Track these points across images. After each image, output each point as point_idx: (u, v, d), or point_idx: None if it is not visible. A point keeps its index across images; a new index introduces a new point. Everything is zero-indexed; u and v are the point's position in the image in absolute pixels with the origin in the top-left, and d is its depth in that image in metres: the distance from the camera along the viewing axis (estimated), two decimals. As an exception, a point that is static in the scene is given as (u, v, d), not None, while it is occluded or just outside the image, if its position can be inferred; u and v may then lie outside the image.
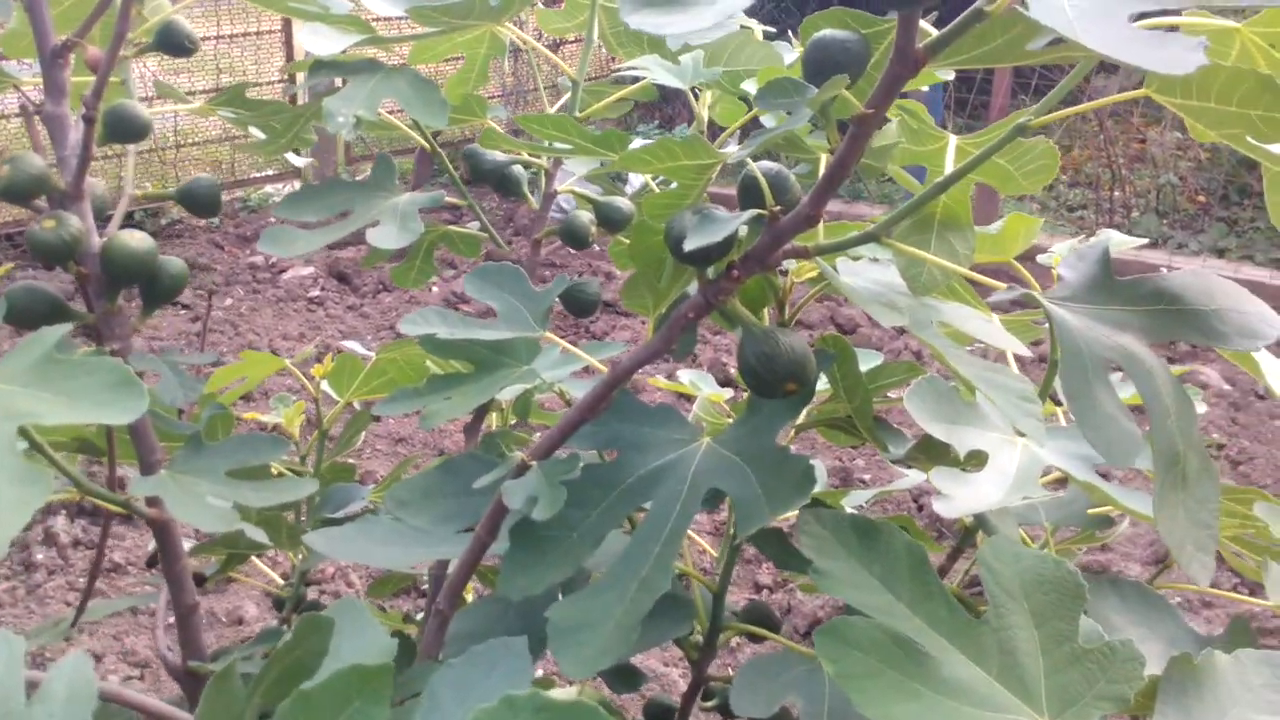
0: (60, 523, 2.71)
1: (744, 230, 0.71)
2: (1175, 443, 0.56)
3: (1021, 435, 0.80)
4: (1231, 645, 0.65)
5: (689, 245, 0.63)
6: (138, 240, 0.85)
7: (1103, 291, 0.62)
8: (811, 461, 0.68)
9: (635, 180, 1.24)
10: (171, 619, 0.93)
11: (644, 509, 0.79)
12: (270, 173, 5.82)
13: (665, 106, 6.06)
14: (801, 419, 1.01)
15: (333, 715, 0.40)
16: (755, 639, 0.93)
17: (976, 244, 0.90)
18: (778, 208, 0.65)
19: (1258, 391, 3.29)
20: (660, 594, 0.68)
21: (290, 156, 1.28)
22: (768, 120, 0.92)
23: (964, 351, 0.70)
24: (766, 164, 0.72)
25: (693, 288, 0.82)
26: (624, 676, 0.92)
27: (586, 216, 1.11)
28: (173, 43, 1.00)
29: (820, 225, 0.74)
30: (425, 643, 0.84)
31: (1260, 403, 3.46)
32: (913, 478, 1.23)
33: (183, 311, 4.45)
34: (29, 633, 1.07)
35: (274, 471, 1.24)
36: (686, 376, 1.34)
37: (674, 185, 0.75)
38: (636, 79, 1.14)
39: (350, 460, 1.44)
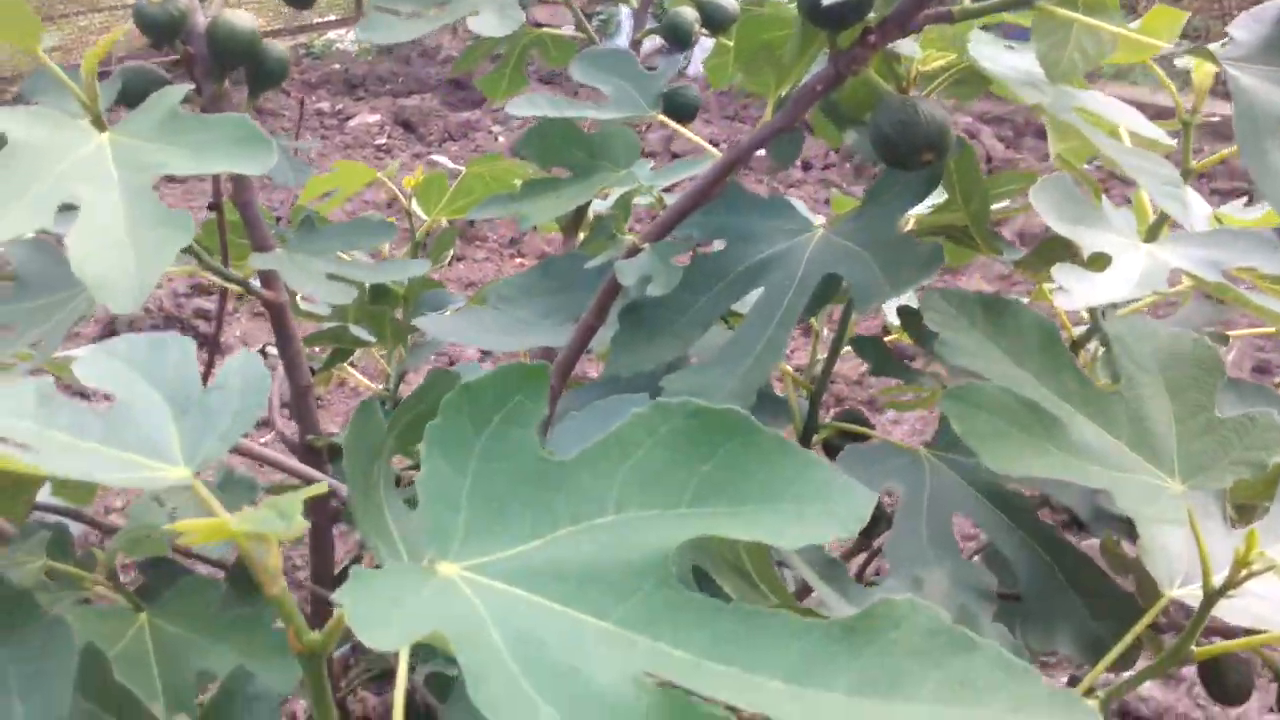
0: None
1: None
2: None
3: (1147, 242, 0.79)
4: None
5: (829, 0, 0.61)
6: (243, 19, 0.84)
7: (1277, 50, 0.59)
8: (939, 243, 0.67)
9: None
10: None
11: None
12: (333, 18, 5.75)
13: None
14: (910, 225, 1.00)
15: (496, 405, 0.41)
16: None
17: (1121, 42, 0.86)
18: (922, -32, 0.62)
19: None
20: (772, 369, 0.69)
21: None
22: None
23: (1105, 135, 0.68)
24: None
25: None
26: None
27: (691, 13, 1.08)
28: None
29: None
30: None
31: None
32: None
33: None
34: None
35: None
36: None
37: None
38: None
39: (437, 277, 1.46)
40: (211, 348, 0.98)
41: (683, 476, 0.39)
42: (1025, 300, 0.76)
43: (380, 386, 1.32)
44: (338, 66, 5.39)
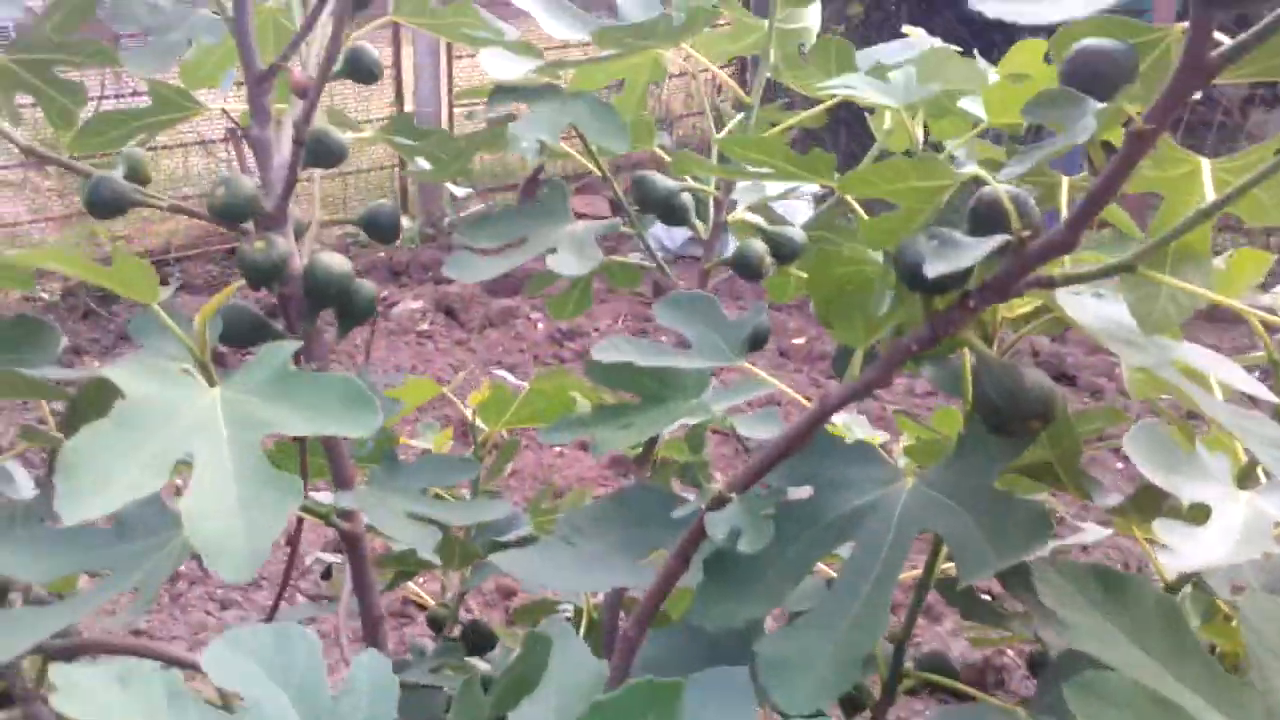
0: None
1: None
2: None
3: (1243, 490, 0.78)
4: None
5: (931, 271, 0.63)
6: (338, 262, 0.88)
7: None
8: (1044, 505, 0.67)
9: (799, 212, 1.24)
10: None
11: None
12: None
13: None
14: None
15: None
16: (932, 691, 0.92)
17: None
18: (1026, 233, 0.64)
19: None
20: (878, 633, 0.68)
21: (450, 186, 1.33)
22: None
23: (1207, 393, 0.69)
24: (1007, 187, 0.71)
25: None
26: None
27: (760, 246, 1.12)
28: (362, 69, 1.04)
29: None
30: (614, 669, 0.85)
31: None
32: (1092, 533, 1.20)
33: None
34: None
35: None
36: (840, 419, 1.34)
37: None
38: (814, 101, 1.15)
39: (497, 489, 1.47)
40: (283, 581, 0.98)
41: None
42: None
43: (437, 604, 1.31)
44: (382, 254, 5.60)
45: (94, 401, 0.82)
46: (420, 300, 5.10)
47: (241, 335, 0.85)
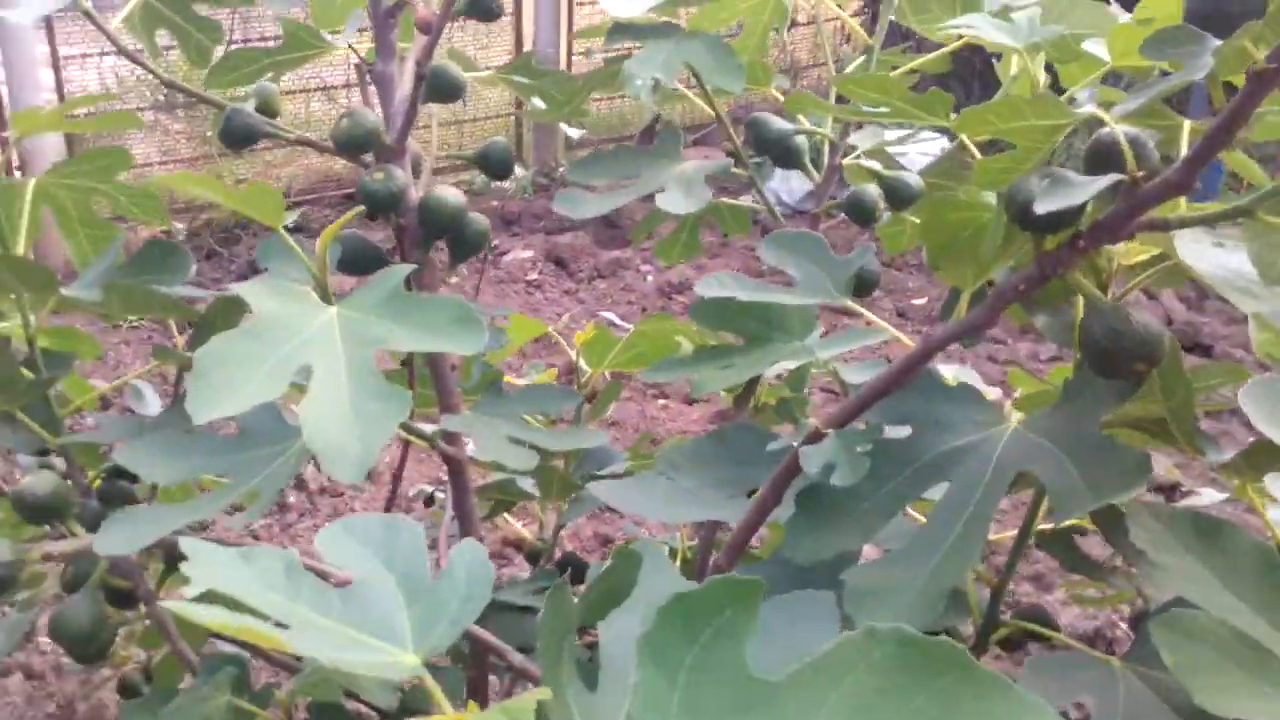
0: (310, 471, 2.98)
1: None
2: None
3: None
4: None
5: (1041, 208, 0.64)
6: (452, 195, 0.93)
7: None
8: (1146, 452, 0.68)
9: (915, 159, 1.24)
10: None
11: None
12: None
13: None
14: (1109, 416, 0.99)
15: (707, 619, 0.44)
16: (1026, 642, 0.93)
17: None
18: (1140, 173, 0.65)
19: None
20: (967, 568, 0.70)
21: (566, 128, 1.36)
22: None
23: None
24: (1125, 128, 0.71)
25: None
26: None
27: (874, 190, 1.13)
28: (483, 6, 1.07)
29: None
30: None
31: None
32: (1206, 496, 1.18)
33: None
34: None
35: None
36: (949, 371, 1.34)
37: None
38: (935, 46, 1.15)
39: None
40: (393, 489, 1.05)
41: (894, 708, 0.40)
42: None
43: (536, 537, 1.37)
44: (495, 203, 5.71)
45: (222, 320, 0.89)
46: (531, 250, 5.19)
47: (359, 263, 0.91)
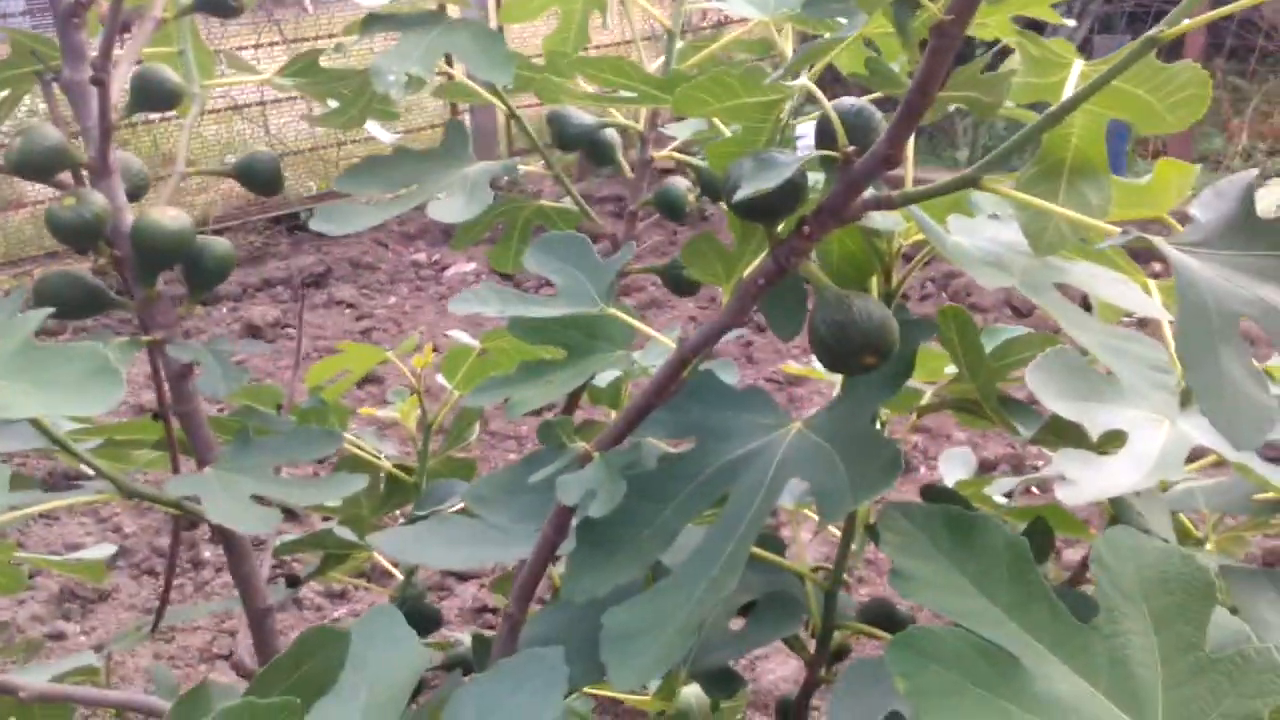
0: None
1: (817, 180, 0.68)
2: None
3: (1172, 414, 0.75)
4: None
5: (740, 194, 0.60)
6: (170, 218, 0.85)
7: (1242, 234, 0.56)
8: (899, 448, 0.65)
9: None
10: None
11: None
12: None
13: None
14: (927, 399, 0.97)
15: None
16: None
17: (1124, 196, 0.84)
18: (851, 148, 0.62)
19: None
20: (730, 588, 0.67)
21: (372, 128, 1.30)
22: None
23: (1083, 313, 0.65)
24: (848, 100, 0.68)
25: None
26: (721, 680, 0.91)
27: (684, 184, 1.10)
28: (215, 0, 1.01)
29: (909, 170, 0.71)
30: (495, 649, 0.85)
31: None
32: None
33: (348, 311, 4.75)
34: (111, 639, 1.14)
35: (381, 469, 1.29)
36: (823, 361, 1.31)
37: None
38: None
39: (466, 455, 1.47)
40: (167, 576, 1.00)
41: None
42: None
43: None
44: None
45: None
46: (474, 262, 5.16)
47: (75, 306, 0.84)
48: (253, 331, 4.51)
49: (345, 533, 1.11)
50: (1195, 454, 0.72)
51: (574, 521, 0.79)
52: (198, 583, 2.85)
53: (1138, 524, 0.76)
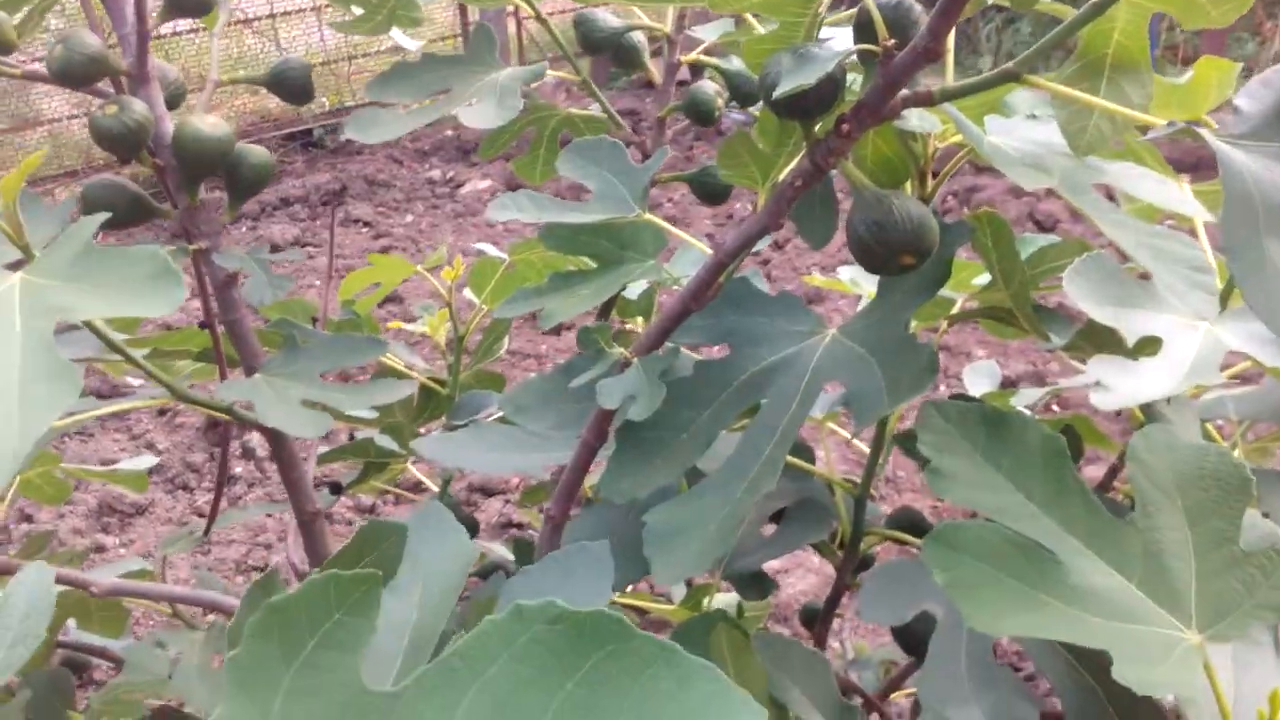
0: (256, 437, 2.98)
1: (856, 78, 0.68)
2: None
3: (1209, 319, 0.75)
4: None
5: (780, 90, 0.60)
6: (210, 125, 0.85)
7: None
8: (936, 351, 0.66)
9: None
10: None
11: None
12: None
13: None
14: (957, 308, 0.98)
15: (309, 629, 0.39)
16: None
17: (1162, 97, 0.83)
18: (892, 42, 0.62)
19: None
20: (766, 490, 0.68)
21: (397, 36, 1.29)
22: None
23: (1122, 214, 0.66)
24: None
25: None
26: (753, 583, 0.93)
27: (712, 87, 1.09)
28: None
29: (949, 69, 0.71)
30: (538, 550, 0.88)
31: None
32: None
33: (365, 229, 4.75)
34: (162, 542, 1.18)
35: (414, 379, 1.31)
36: (846, 273, 1.32)
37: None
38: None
39: (493, 369, 1.49)
40: (219, 480, 1.03)
41: (541, 699, 0.37)
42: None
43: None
44: (450, 133, 5.62)
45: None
46: (489, 179, 5.14)
47: (120, 215, 0.84)
48: (274, 250, 4.52)
49: (387, 441, 1.14)
50: (1228, 362, 0.73)
51: (613, 426, 0.81)
52: (230, 497, 2.91)
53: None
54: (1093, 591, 0.54)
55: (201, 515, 2.82)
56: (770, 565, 2.51)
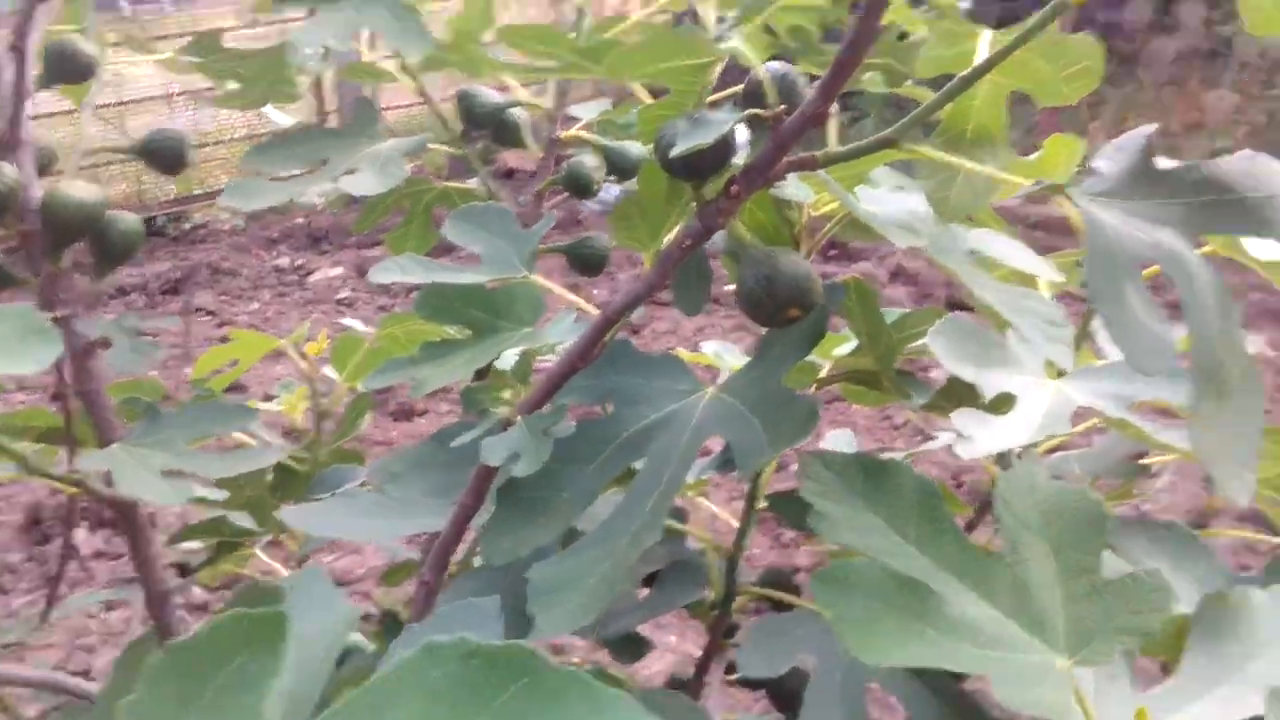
0: (81, 534, 2.84)
1: (745, 140, 0.72)
2: (1215, 350, 0.56)
3: (1055, 377, 0.82)
4: (1271, 583, 0.66)
5: (677, 149, 0.64)
6: (81, 190, 0.85)
7: (1142, 183, 0.62)
8: (817, 402, 0.70)
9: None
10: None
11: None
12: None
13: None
14: (824, 373, 1.03)
15: (215, 670, 0.38)
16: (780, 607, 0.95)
17: (1015, 170, 0.91)
18: (781, 107, 0.66)
19: (1309, 356, 3.32)
20: (650, 543, 0.70)
21: (270, 111, 1.30)
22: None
23: (988, 276, 0.71)
24: (775, 64, 0.73)
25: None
26: (628, 645, 0.95)
27: (591, 162, 1.14)
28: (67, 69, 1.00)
29: (832, 137, 0.76)
30: (412, 615, 0.87)
31: (1311, 367, 3.62)
32: (944, 439, 1.24)
33: (207, 318, 4.63)
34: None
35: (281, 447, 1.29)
36: (710, 348, 1.36)
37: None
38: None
39: (357, 446, 1.48)
40: (60, 564, 0.99)
41: None
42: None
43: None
44: (301, 220, 5.56)
45: None
46: (340, 266, 5.09)
47: None
48: (106, 343, 4.36)
49: (243, 518, 1.11)
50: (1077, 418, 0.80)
51: (495, 485, 0.82)
52: (54, 598, 2.75)
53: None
54: (968, 622, 0.58)
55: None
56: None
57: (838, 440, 1.26)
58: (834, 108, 0.67)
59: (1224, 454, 0.55)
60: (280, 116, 1.37)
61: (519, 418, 0.81)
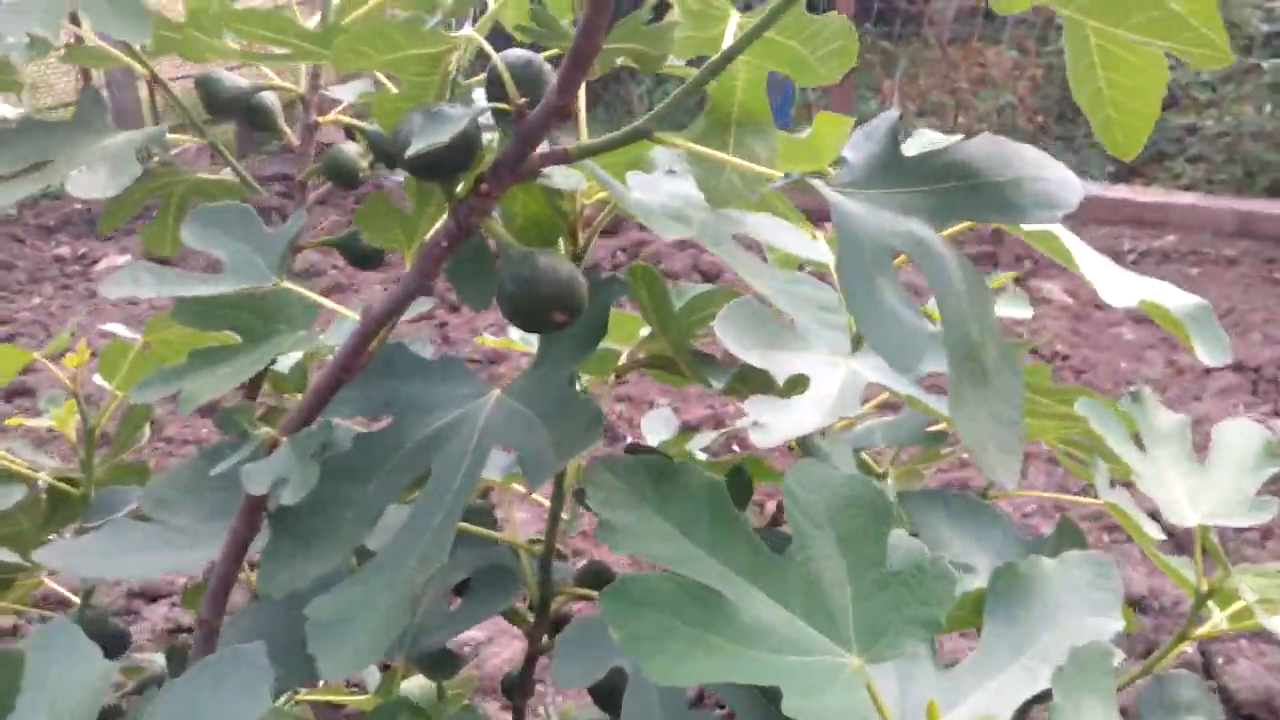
0: None
1: (491, 135, 0.69)
2: (970, 332, 0.56)
3: (846, 355, 0.82)
4: (1060, 547, 0.68)
5: (412, 149, 0.60)
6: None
7: (889, 172, 0.61)
8: (599, 406, 0.67)
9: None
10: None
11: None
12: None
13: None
14: (622, 360, 1.00)
15: None
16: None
17: (787, 151, 0.90)
18: (523, 100, 0.63)
19: (1097, 303, 3.57)
20: (440, 563, 0.67)
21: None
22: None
23: (759, 262, 0.70)
24: (516, 52, 0.69)
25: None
26: (440, 662, 0.91)
27: (354, 149, 1.07)
28: None
29: (583, 128, 0.73)
30: (192, 658, 0.82)
31: (1099, 313, 3.90)
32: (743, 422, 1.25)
33: None
34: None
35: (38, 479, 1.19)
36: (518, 333, 1.32)
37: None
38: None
39: (137, 459, 1.38)
40: None
41: None
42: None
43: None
44: (79, 205, 5.21)
45: None
46: (128, 254, 4.80)
47: None
48: None
49: (8, 554, 1.02)
50: (871, 394, 0.80)
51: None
52: None
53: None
54: (761, 627, 0.56)
55: None
56: (472, 635, 2.45)
57: (655, 420, 1.25)
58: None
59: (988, 439, 0.55)
60: (6, 108, 1.25)
61: (283, 439, 0.75)
